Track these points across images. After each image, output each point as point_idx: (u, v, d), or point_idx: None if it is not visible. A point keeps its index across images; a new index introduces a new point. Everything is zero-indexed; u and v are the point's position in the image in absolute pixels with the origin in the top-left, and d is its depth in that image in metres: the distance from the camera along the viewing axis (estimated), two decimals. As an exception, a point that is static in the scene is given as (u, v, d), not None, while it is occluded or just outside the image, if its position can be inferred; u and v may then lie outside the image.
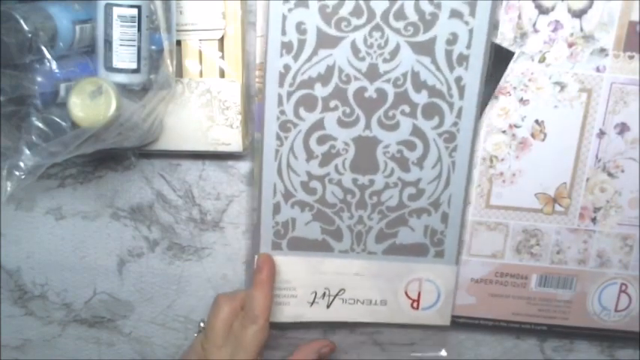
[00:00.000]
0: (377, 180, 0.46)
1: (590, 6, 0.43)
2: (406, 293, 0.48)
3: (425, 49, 0.43)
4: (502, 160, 0.46)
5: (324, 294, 0.48)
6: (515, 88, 0.45)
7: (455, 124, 0.44)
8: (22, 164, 0.39)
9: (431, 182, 0.46)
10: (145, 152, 0.47)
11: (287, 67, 0.43)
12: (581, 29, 0.44)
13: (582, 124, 0.45)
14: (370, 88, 0.44)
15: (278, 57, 0.43)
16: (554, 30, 0.44)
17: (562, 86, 0.45)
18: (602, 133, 0.46)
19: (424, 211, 0.46)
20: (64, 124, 0.39)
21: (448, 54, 0.43)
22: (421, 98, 0.44)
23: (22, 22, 0.36)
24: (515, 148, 0.46)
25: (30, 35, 0.37)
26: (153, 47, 0.41)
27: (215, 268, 0.51)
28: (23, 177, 0.39)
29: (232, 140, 0.46)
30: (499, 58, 0.44)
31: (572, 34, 0.44)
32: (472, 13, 0.42)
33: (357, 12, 0.42)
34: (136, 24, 0.39)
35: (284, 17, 0.42)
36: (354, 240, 0.47)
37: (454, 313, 0.49)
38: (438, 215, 0.47)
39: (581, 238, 0.48)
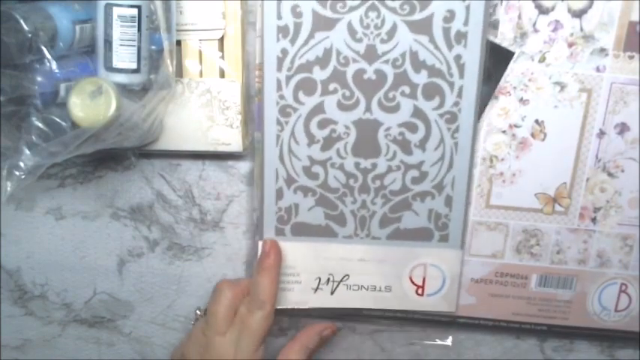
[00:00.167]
0: (379, 163, 0.46)
1: (590, 6, 0.43)
2: (411, 279, 0.48)
3: (422, 27, 0.43)
4: (502, 160, 0.46)
5: (328, 280, 0.48)
6: (515, 88, 0.45)
7: (456, 103, 0.44)
8: (22, 164, 0.39)
9: (434, 164, 0.46)
10: (145, 152, 0.47)
11: (284, 52, 0.43)
12: (581, 29, 0.44)
13: (582, 124, 0.45)
14: (369, 70, 0.44)
15: (275, 41, 0.43)
16: (554, 30, 0.44)
17: (562, 86, 0.45)
18: (602, 133, 0.46)
19: (428, 194, 0.46)
20: (64, 124, 0.39)
21: (446, 32, 0.43)
22: (421, 78, 0.44)
23: (22, 22, 0.36)
24: (515, 148, 0.46)
25: (30, 35, 0.37)
26: (153, 47, 0.42)
27: (215, 268, 0.51)
28: (23, 177, 0.39)
29: (232, 140, 0.46)
30: (499, 58, 0.44)
31: (572, 34, 0.44)
32: None
33: None
34: (136, 24, 0.39)
35: (279, 1, 0.42)
36: (357, 225, 0.47)
37: (455, 314, 0.49)
38: (441, 198, 0.46)
39: (581, 238, 0.48)
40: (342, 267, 0.48)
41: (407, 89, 0.44)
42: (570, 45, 0.44)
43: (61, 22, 0.38)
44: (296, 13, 0.43)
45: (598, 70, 0.44)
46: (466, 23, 0.43)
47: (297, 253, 0.47)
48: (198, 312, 0.47)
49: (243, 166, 0.48)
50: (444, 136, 0.45)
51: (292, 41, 0.43)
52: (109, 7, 0.39)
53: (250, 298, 0.44)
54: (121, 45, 0.40)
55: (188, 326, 0.52)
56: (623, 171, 0.46)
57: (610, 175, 0.46)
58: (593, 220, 0.47)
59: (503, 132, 0.46)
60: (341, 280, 0.48)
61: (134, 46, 0.40)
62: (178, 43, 0.44)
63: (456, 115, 0.45)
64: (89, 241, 0.51)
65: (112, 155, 0.48)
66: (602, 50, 0.44)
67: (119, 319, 0.53)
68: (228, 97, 0.45)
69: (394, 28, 0.43)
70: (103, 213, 0.50)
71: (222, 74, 0.45)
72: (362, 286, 0.48)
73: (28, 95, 0.39)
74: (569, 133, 0.46)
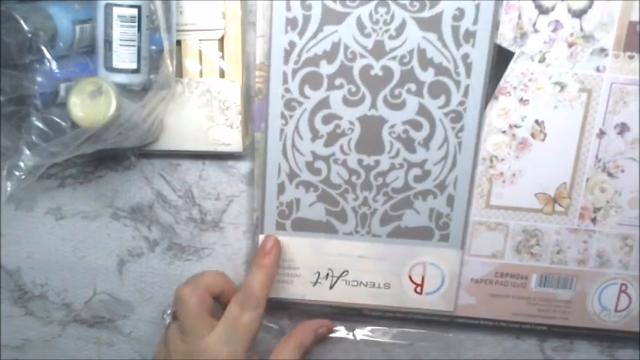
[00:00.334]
0: (382, 161, 0.46)
1: (590, 6, 0.43)
2: (410, 277, 0.48)
3: (431, 25, 0.43)
4: (502, 160, 0.46)
5: (327, 275, 0.48)
6: (515, 88, 0.45)
7: (461, 103, 0.44)
8: (22, 164, 0.39)
9: (437, 163, 0.46)
10: (145, 152, 0.47)
11: (292, 44, 0.43)
12: (581, 29, 0.44)
13: (582, 124, 0.45)
14: (376, 66, 0.44)
15: (283, 33, 0.43)
16: (554, 30, 0.44)
17: (562, 86, 0.45)
18: (602, 133, 0.46)
19: (430, 193, 0.46)
20: (64, 124, 0.39)
21: (455, 30, 0.43)
22: (427, 76, 0.44)
23: (22, 22, 0.36)
24: (515, 148, 0.46)
25: (30, 35, 0.37)
26: (153, 47, 0.42)
27: (215, 268, 0.51)
28: (23, 177, 0.39)
29: (232, 140, 0.46)
30: (499, 59, 0.44)
31: (572, 34, 0.44)
32: None
33: None
34: (136, 24, 0.39)
35: None
36: (358, 222, 0.47)
37: (454, 313, 0.49)
38: (443, 198, 0.46)
39: (581, 238, 0.48)
40: (342, 263, 0.48)
41: (413, 87, 0.44)
42: (570, 45, 0.44)
43: (61, 22, 0.38)
44: (305, 5, 0.43)
45: (598, 70, 0.44)
46: (475, 22, 0.43)
47: (297, 247, 0.48)
48: (167, 317, 0.45)
49: (243, 166, 0.48)
50: (448, 135, 0.45)
51: (300, 34, 0.43)
52: (109, 7, 0.39)
53: (243, 295, 0.43)
54: (121, 45, 0.40)
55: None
56: (623, 171, 0.46)
57: (610, 175, 0.46)
58: (593, 220, 0.47)
59: (503, 132, 0.46)
60: (340, 276, 0.48)
61: (134, 46, 0.40)
62: (178, 43, 0.44)
63: (461, 115, 0.45)
64: (89, 241, 0.51)
65: (112, 155, 0.48)
66: (602, 50, 0.44)
67: (119, 319, 0.53)
68: (228, 97, 0.45)
69: (403, 24, 0.43)
70: (103, 213, 0.50)
71: (222, 74, 0.45)
72: (361, 282, 0.48)
73: (28, 95, 0.39)
74: (569, 133, 0.46)
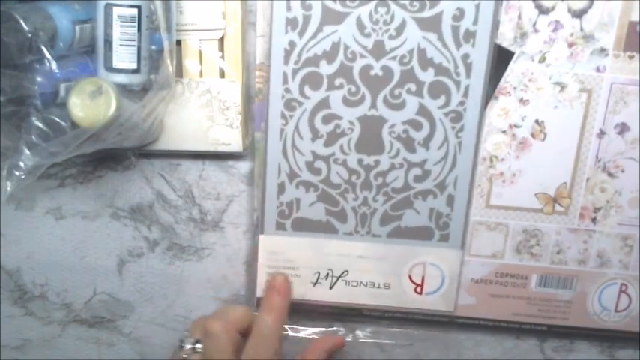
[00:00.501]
0: (382, 161, 0.46)
1: (590, 6, 0.43)
2: (410, 277, 0.48)
3: (431, 25, 0.43)
4: (502, 160, 0.46)
5: (327, 275, 0.48)
6: (515, 88, 0.45)
7: (461, 103, 0.44)
8: (22, 164, 0.39)
9: (437, 163, 0.46)
10: (145, 152, 0.47)
11: (292, 44, 0.43)
12: (581, 29, 0.44)
13: (582, 124, 0.45)
14: (376, 66, 0.44)
15: (283, 33, 0.43)
16: (554, 30, 0.44)
17: (562, 86, 0.45)
18: (602, 133, 0.46)
19: (430, 193, 0.46)
20: (64, 124, 0.39)
21: (455, 30, 0.43)
22: (427, 76, 0.44)
23: (22, 22, 0.36)
24: (515, 148, 0.46)
25: (30, 35, 0.37)
26: (153, 47, 0.41)
27: (215, 268, 0.51)
28: (23, 177, 0.39)
29: (232, 140, 0.46)
30: (499, 59, 0.44)
31: (572, 34, 0.44)
32: None
33: None
34: (136, 24, 0.39)
35: None
36: (358, 222, 0.47)
37: (454, 314, 0.49)
38: (443, 198, 0.46)
39: (581, 238, 0.48)
40: (342, 263, 0.48)
41: (413, 87, 0.44)
42: (570, 45, 0.44)
43: (61, 22, 0.38)
44: (305, 5, 0.43)
45: (598, 70, 0.44)
46: (475, 22, 0.43)
47: (296, 247, 0.48)
48: (188, 343, 0.43)
49: (243, 166, 0.48)
50: (448, 135, 0.45)
51: (300, 34, 0.43)
52: (109, 7, 0.39)
53: (257, 339, 0.43)
54: (121, 45, 0.40)
55: (188, 326, 0.52)
56: (623, 171, 0.46)
57: (610, 175, 0.46)
58: (593, 220, 0.47)
59: (503, 132, 0.46)
60: (340, 276, 0.48)
61: (134, 46, 0.40)
62: (178, 43, 0.44)
63: (461, 115, 0.45)
64: (89, 241, 0.51)
65: (112, 155, 0.48)
66: (602, 50, 0.44)
67: (119, 319, 0.53)
68: (228, 97, 0.45)
69: (403, 24, 0.43)
70: (103, 213, 0.50)
71: (222, 74, 0.45)
72: (361, 282, 0.48)
73: (28, 95, 0.39)
74: (569, 133, 0.46)
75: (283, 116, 0.45)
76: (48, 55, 0.38)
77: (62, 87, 0.39)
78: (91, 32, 0.40)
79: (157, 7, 0.40)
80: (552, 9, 0.43)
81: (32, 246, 0.51)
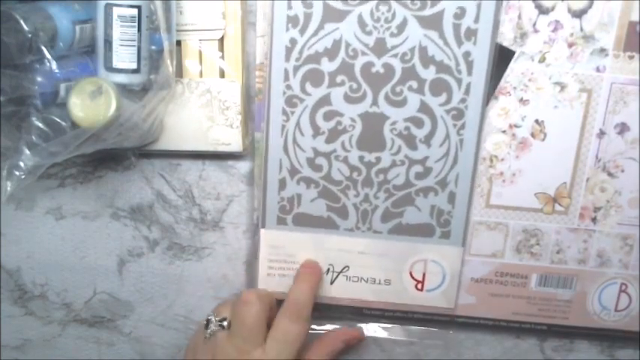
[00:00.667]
0: (383, 157, 0.46)
1: (590, 6, 0.43)
2: (411, 274, 0.48)
3: (432, 23, 0.43)
4: (502, 160, 0.46)
5: (328, 270, 0.48)
6: (515, 88, 0.45)
7: (463, 100, 0.44)
8: (22, 164, 0.39)
9: (438, 160, 0.46)
10: (145, 152, 0.47)
11: (293, 41, 0.43)
12: (581, 29, 0.44)
13: (582, 124, 0.45)
14: (377, 63, 0.44)
15: (284, 31, 0.43)
16: (554, 30, 0.44)
17: (562, 86, 0.45)
18: (602, 133, 0.46)
19: (431, 190, 0.46)
20: (64, 124, 0.39)
21: (456, 28, 0.43)
22: (429, 74, 0.44)
23: (22, 22, 0.36)
24: (515, 148, 0.46)
25: (30, 35, 0.37)
26: (153, 47, 0.41)
27: (215, 268, 0.51)
28: (23, 177, 0.39)
29: (232, 140, 0.46)
30: (500, 57, 0.44)
31: (572, 34, 0.44)
32: None
33: None
34: (136, 24, 0.39)
35: None
36: (359, 218, 0.47)
37: (454, 313, 0.49)
38: (444, 195, 0.46)
39: (581, 238, 0.48)
40: (342, 258, 0.48)
41: (414, 84, 0.44)
42: (570, 45, 0.44)
43: (61, 22, 0.38)
44: (307, 3, 0.43)
45: (598, 70, 0.44)
46: (477, 20, 0.43)
47: (297, 242, 0.48)
48: (213, 325, 0.43)
49: (243, 166, 0.48)
50: (450, 132, 0.45)
51: (302, 31, 0.43)
52: (109, 7, 0.39)
53: (290, 307, 0.43)
54: (121, 45, 0.40)
55: (188, 326, 0.52)
56: (623, 171, 0.46)
57: (610, 175, 0.46)
58: (593, 219, 0.47)
59: (503, 132, 0.46)
60: (341, 271, 0.48)
61: (134, 46, 0.40)
62: (178, 43, 0.44)
63: (462, 112, 0.45)
64: (89, 241, 0.51)
65: (112, 155, 0.48)
66: (602, 50, 0.44)
67: (119, 319, 0.53)
68: (228, 97, 0.45)
69: (404, 22, 0.43)
70: (103, 213, 0.50)
71: (222, 74, 0.45)
72: (361, 278, 0.49)
73: (28, 95, 0.39)
74: (569, 133, 0.46)
75: (285, 113, 0.45)
76: (48, 55, 0.38)
77: (62, 87, 0.39)
78: (91, 32, 0.40)
79: (157, 7, 0.40)
80: (552, 9, 0.43)
81: (32, 246, 0.51)
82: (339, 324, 0.51)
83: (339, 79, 0.44)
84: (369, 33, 0.43)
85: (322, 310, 0.50)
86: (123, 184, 0.49)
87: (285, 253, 0.48)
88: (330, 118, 0.45)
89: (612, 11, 0.43)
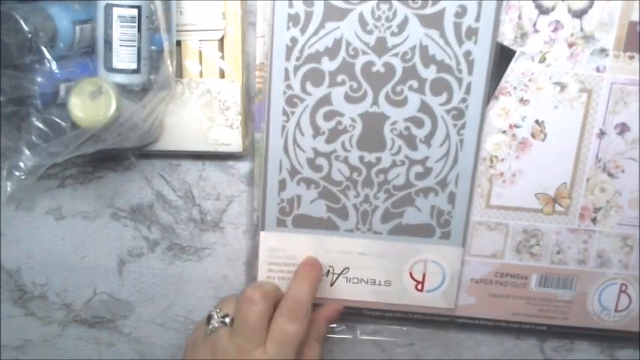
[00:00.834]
0: (384, 158, 0.46)
1: (590, 6, 0.43)
2: (411, 274, 0.48)
3: (433, 22, 0.43)
4: (502, 160, 0.46)
5: (328, 272, 0.48)
6: (515, 88, 0.45)
7: (463, 100, 0.44)
8: (22, 164, 0.39)
9: (438, 161, 0.46)
10: (145, 152, 0.47)
11: (294, 40, 0.43)
12: (582, 29, 0.44)
13: (582, 124, 0.45)
14: (378, 63, 0.44)
15: (285, 30, 0.43)
16: (555, 30, 0.44)
17: (562, 86, 0.45)
18: (602, 134, 0.46)
19: (431, 190, 0.46)
20: (64, 124, 0.39)
21: (457, 27, 0.43)
22: (429, 73, 0.44)
23: (22, 22, 0.36)
24: (515, 148, 0.46)
25: (30, 35, 0.37)
26: (153, 47, 0.41)
27: (215, 269, 0.51)
28: (23, 177, 0.39)
29: (232, 140, 0.46)
30: (501, 57, 0.44)
31: (572, 35, 0.44)
32: None
33: None
34: (136, 24, 0.39)
35: None
36: (359, 219, 0.47)
37: (454, 314, 0.49)
38: (445, 195, 0.46)
39: (581, 238, 0.48)
40: (343, 260, 0.48)
41: (415, 84, 0.44)
42: (570, 45, 0.44)
43: (61, 23, 0.38)
44: (307, 1, 0.43)
45: (598, 70, 0.44)
46: (477, 19, 0.43)
47: (297, 244, 0.48)
48: (216, 322, 0.43)
49: (243, 166, 0.48)
50: (450, 132, 0.45)
51: (302, 30, 0.43)
52: (109, 8, 0.39)
53: (290, 306, 0.42)
54: (121, 45, 0.39)
55: (188, 326, 0.52)
56: (623, 171, 0.46)
57: (610, 175, 0.46)
58: (594, 220, 0.47)
59: (504, 132, 0.46)
60: (341, 273, 0.48)
61: (134, 46, 0.40)
62: (178, 43, 0.44)
63: (462, 112, 0.45)
64: (89, 241, 0.51)
65: (112, 155, 0.48)
66: (603, 50, 0.44)
67: (119, 319, 0.53)
68: (228, 98, 0.45)
69: (405, 21, 0.43)
70: (103, 213, 0.50)
71: (222, 74, 0.45)
72: (361, 279, 0.49)
73: (28, 95, 0.39)
74: (570, 134, 0.46)
75: (285, 113, 0.45)
76: (48, 56, 0.38)
77: (62, 87, 0.39)
78: (91, 32, 0.40)
79: (157, 8, 0.40)
80: (552, 9, 0.43)
81: (32, 246, 0.51)
82: (339, 324, 0.51)
83: (339, 78, 0.44)
84: (370, 32, 0.43)
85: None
86: (123, 185, 0.49)
87: (284, 255, 0.48)
88: (330, 118, 0.45)
89: (612, 11, 0.43)
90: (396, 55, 0.44)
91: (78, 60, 0.41)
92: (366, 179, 0.46)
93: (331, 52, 0.44)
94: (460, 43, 0.43)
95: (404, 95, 0.44)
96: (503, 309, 0.49)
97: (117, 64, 0.40)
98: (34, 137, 0.39)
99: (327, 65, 0.44)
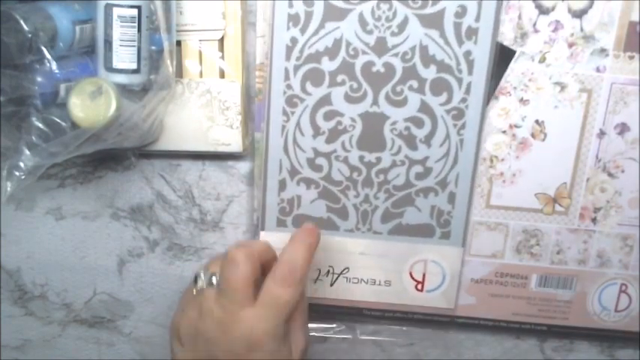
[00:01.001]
0: (384, 158, 0.46)
1: (590, 6, 0.43)
2: (411, 274, 0.48)
3: (433, 22, 0.43)
4: (502, 160, 0.46)
5: (328, 272, 0.48)
6: (515, 88, 0.45)
7: (463, 100, 0.44)
8: (22, 164, 0.39)
9: (438, 161, 0.46)
10: (145, 152, 0.47)
11: (294, 40, 0.43)
12: (582, 29, 0.44)
13: (582, 124, 0.45)
14: (378, 63, 0.44)
15: (285, 30, 0.43)
16: (555, 30, 0.44)
17: (562, 86, 0.45)
18: (602, 133, 0.46)
19: (431, 190, 0.46)
20: (64, 124, 0.39)
21: (457, 27, 0.43)
22: (429, 73, 0.44)
23: (22, 22, 0.36)
24: (515, 148, 0.46)
25: (30, 35, 0.37)
26: (153, 47, 0.41)
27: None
28: (23, 177, 0.39)
29: (232, 140, 0.46)
30: (501, 57, 0.44)
31: (572, 34, 0.44)
32: None
33: None
34: (136, 24, 0.39)
35: None
36: (359, 219, 0.47)
37: (454, 314, 0.49)
38: (444, 195, 0.46)
39: (581, 238, 0.48)
40: (343, 260, 0.48)
41: (415, 84, 0.44)
42: (570, 45, 0.44)
43: (61, 23, 0.38)
44: (307, 1, 0.43)
45: (598, 70, 0.44)
46: (477, 19, 0.43)
47: None
48: (202, 281, 0.41)
49: (243, 166, 0.48)
50: (450, 132, 0.45)
51: (302, 30, 0.43)
52: (109, 8, 0.39)
53: (283, 271, 0.40)
54: (121, 45, 0.40)
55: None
56: (623, 171, 0.46)
57: (610, 175, 0.46)
58: (594, 220, 0.47)
59: (504, 132, 0.46)
60: (341, 273, 0.48)
61: (134, 46, 0.40)
62: (178, 43, 0.44)
63: (462, 112, 0.45)
64: (89, 241, 0.51)
65: (112, 155, 0.48)
66: (603, 50, 0.44)
67: (119, 319, 0.53)
68: (228, 98, 0.45)
69: (405, 21, 0.43)
70: (103, 213, 0.50)
71: (222, 74, 0.45)
72: (361, 279, 0.49)
73: (28, 95, 0.39)
74: (570, 134, 0.46)
75: (285, 113, 0.45)
76: (48, 56, 0.38)
77: (62, 87, 0.39)
78: (91, 32, 0.40)
79: (157, 8, 0.40)
80: (552, 9, 0.43)
81: (32, 246, 0.51)
82: (339, 324, 0.51)
83: (339, 78, 0.44)
84: (370, 32, 0.43)
85: (322, 312, 0.50)
86: (123, 185, 0.49)
87: None
88: (330, 118, 0.45)
89: (612, 11, 0.43)
90: (396, 55, 0.44)
91: (78, 60, 0.41)
92: (366, 179, 0.46)
93: (331, 52, 0.44)
94: (460, 43, 0.43)
95: (404, 95, 0.44)
96: (503, 309, 0.49)
97: (117, 64, 0.40)
98: (34, 137, 0.39)
99: (327, 65, 0.44)
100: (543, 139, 0.46)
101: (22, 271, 0.52)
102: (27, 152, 0.39)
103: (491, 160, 0.46)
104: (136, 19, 0.39)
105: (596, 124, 0.45)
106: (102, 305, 0.52)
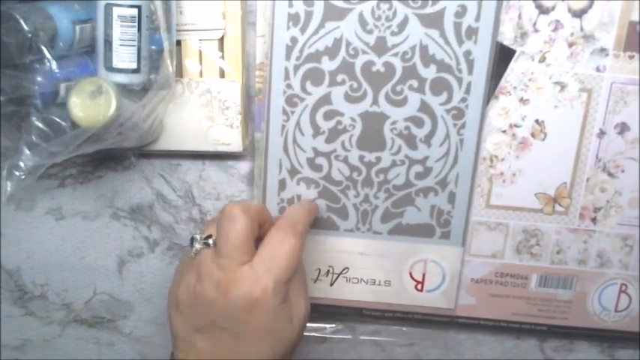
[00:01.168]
0: (384, 157, 0.46)
1: (590, 6, 0.43)
2: (410, 274, 0.48)
3: (433, 21, 0.43)
4: (502, 160, 0.46)
5: (327, 272, 0.48)
6: (515, 87, 0.45)
7: (463, 99, 0.44)
8: (22, 164, 0.39)
9: (438, 160, 0.46)
10: (145, 152, 0.47)
11: (294, 40, 0.43)
12: (582, 29, 0.44)
13: (582, 124, 0.45)
14: (378, 62, 0.44)
15: (285, 29, 0.43)
16: (555, 30, 0.44)
17: (562, 86, 0.45)
18: (602, 133, 0.46)
19: (431, 190, 0.46)
20: (64, 124, 0.39)
21: (457, 27, 0.43)
22: (429, 73, 0.44)
23: (22, 22, 0.36)
24: (515, 148, 0.46)
25: (30, 35, 0.37)
26: (153, 47, 0.41)
27: (215, 268, 0.51)
28: (23, 177, 0.39)
29: (232, 140, 0.46)
30: (501, 57, 0.44)
31: (572, 34, 0.44)
32: None
33: None
34: (136, 24, 0.39)
35: None
36: (359, 219, 0.47)
37: (454, 314, 0.49)
38: (444, 195, 0.46)
39: (581, 238, 0.48)
40: (342, 260, 0.48)
41: (415, 83, 0.44)
42: (570, 45, 0.44)
43: (61, 22, 0.38)
44: (307, 1, 0.43)
45: (598, 70, 0.44)
46: (477, 19, 0.43)
47: None
48: (197, 243, 0.40)
49: (243, 166, 0.48)
50: (450, 132, 0.45)
51: (302, 30, 0.43)
52: (109, 7, 0.39)
53: (286, 222, 0.39)
54: (121, 45, 0.40)
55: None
56: (623, 171, 0.46)
57: (610, 175, 0.46)
58: (594, 220, 0.47)
59: (504, 132, 0.46)
60: (340, 273, 0.48)
61: (134, 46, 0.40)
62: (178, 43, 0.44)
63: (462, 112, 0.45)
64: (89, 241, 0.51)
65: (112, 155, 0.48)
66: (603, 50, 0.44)
67: (119, 319, 0.53)
68: (228, 97, 0.45)
69: (405, 20, 0.43)
70: (103, 213, 0.50)
71: (222, 74, 0.45)
72: (361, 279, 0.49)
73: (28, 95, 0.39)
74: (570, 133, 0.46)
75: (285, 112, 0.45)
76: (48, 55, 0.38)
77: (62, 87, 0.39)
78: (91, 32, 0.40)
79: (157, 7, 0.40)
80: (552, 9, 0.43)
81: (32, 246, 0.51)
82: (339, 324, 0.51)
83: (339, 78, 0.44)
84: (370, 32, 0.43)
85: (322, 312, 0.50)
86: (123, 184, 0.49)
87: None
88: (330, 117, 0.45)
89: (612, 11, 0.43)
90: (395, 54, 0.44)
91: (78, 60, 0.41)
92: (366, 179, 0.46)
93: (331, 51, 0.44)
94: (460, 42, 0.43)
95: (404, 95, 0.44)
96: (503, 309, 0.49)
97: (117, 63, 0.40)
98: (34, 137, 0.39)
99: (327, 65, 0.44)
100: (543, 139, 0.46)
101: (22, 271, 0.52)
102: (27, 152, 0.39)
103: (491, 160, 0.46)
104: (136, 18, 0.39)
105: (596, 124, 0.45)
106: (102, 305, 0.52)
